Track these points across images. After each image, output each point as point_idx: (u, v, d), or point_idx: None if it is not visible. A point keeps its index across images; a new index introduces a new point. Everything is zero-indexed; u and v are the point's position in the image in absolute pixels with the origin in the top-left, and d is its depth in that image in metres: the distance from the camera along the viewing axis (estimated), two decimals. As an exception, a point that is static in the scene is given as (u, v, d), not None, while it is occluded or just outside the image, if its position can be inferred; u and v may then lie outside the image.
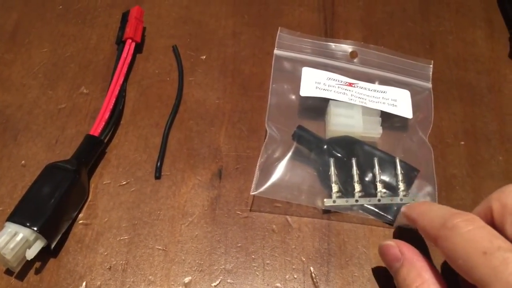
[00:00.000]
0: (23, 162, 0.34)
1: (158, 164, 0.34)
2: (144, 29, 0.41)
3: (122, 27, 0.40)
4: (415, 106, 0.36)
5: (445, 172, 0.35)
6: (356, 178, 0.33)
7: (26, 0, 0.43)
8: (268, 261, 0.31)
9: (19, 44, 0.40)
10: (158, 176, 0.33)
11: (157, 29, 0.41)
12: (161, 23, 0.42)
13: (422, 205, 0.28)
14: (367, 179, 0.33)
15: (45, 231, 0.28)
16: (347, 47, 0.39)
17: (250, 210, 0.33)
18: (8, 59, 0.39)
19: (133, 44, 0.38)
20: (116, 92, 0.36)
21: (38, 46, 0.40)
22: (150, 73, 0.39)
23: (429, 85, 0.38)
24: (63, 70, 0.39)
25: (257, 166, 0.33)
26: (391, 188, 0.33)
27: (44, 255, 0.30)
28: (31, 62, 0.39)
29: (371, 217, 0.32)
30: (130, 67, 0.38)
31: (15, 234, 0.28)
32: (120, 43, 0.39)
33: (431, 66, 0.38)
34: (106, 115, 0.34)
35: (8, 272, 0.29)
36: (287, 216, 0.32)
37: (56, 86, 0.38)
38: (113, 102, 0.35)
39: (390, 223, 0.32)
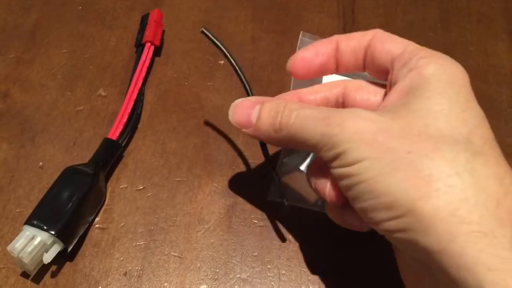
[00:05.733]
0: (40, 164, 0.34)
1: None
2: (163, 32, 0.40)
3: (141, 30, 0.39)
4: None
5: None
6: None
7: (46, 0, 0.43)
8: (283, 272, 0.31)
9: (38, 44, 0.40)
10: None
11: (175, 33, 0.41)
12: (179, 26, 0.42)
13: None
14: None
15: (63, 235, 0.28)
16: None
17: (267, 215, 0.33)
18: (27, 59, 0.39)
19: (152, 48, 0.38)
20: (135, 96, 0.35)
21: (57, 46, 0.40)
22: (168, 77, 0.39)
23: None
24: (82, 72, 0.39)
25: (274, 172, 0.33)
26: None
27: (60, 258, 0.30)
28: (50, 63, 0.39)
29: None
30: (148, 71, 0.38)
31: (33, 237, 0.28)
32: (139, 46, 0.39)
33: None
34: (124, 119, 0.34)
35: (24, 274, 0.29)
36: (303, 225, 0.32)
37: (74, 87, 0.38)
38: (131, 106, 0.35)
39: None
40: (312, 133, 0.24)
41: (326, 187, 0.25)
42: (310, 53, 0.28)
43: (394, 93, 0.24)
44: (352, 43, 0.27)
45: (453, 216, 0.20)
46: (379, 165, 0.22)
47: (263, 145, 0.31)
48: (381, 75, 0.27)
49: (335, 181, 0.24)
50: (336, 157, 0.23)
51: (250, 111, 0.27)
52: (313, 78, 0.29)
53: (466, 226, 0.20)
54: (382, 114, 0.23)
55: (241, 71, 0.31)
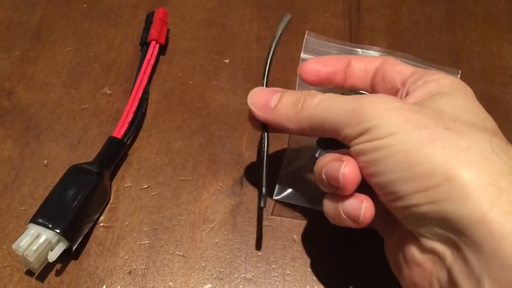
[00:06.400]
0: (45, 162, 0.34)
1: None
2: (168, 31, 0.40)
3: (147, 29, 0.39)
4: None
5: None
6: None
7: (51, -3, 0.43)
8: (288, 272, 0.30)
9: (43, 42, 0.40)
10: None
11: (180, 31, 0.41)
12: (184, 25, 0.42)
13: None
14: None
15: (68, 234, 0.28)
16: (374, 53, 0.38)
17: (272, 215, 0.32)
18: (32, 57, 0.39)
19: (157, 46, 0.38)
20: (140, 94, 0.35)
21: (62, 44, 0.40)
22: (173, 75, 0.39)
23: None
24: (87, 70, 0.38)
25: (280, 171, 0.33)
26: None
27: (65, 257, 0.30)
28: (54, 61, 0.39)
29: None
30: (153, 69, 0.38)
31: (38, 236, 0.28)
32: (144, 44, 0.39)
33: (458, 76, 0.38)
34: (129, 118, 0.34)
35: (29, 273, 0.29)
36: (308, 225, 0.32)
37: (79, 85, 0.38)
38: (136, 104, 0.35)
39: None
40: (338, 110, 0.25)
41: (340, 170, 0.25)
42: (322, 61, 0.29)
43: (412, 98, 0.25)
44: (363, 63, 0.29)
45: (493, 185, 0.20)
46: (416, 136, 0.22)
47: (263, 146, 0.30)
48: (388, 94, 0.28)
49: (351, 162, 0.25)
50: (365, 131, 0.23)
51: (270, 96, 0.28)
52: (320, 85, 0.30)
53: (506, 196, 0.20)
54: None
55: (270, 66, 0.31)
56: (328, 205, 0.27)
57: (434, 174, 0.21)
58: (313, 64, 0.29)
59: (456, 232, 0.21)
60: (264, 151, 0.29)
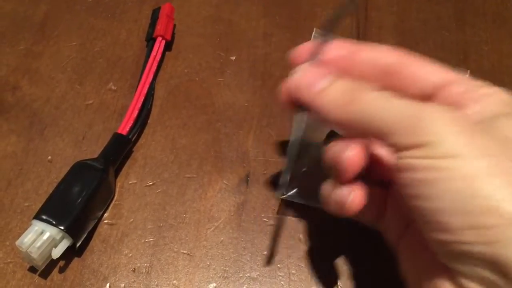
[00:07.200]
0: (49, 157, 0.33)
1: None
2: (174, 27, 0.40)
3: (153, 24, 0.39)
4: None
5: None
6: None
7: (56, -9, 0.42)
8: (293, 271, 0.30)
9: (48, 36, 0.39)
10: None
11: (186, 27, 0.41)
12: (190, 21, 0.41)
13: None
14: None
15: (72, 231, 0.28)
16: None
17: (277, 213, 0.32)
18: (37, 52, 0.39)
19: (163, 42, 0.38)
20: (145, 90, 0.35)
21: (67, 39, 0.39)
22: (178, 72, 0.38)
23: None
24: (92, 65, 0.38)
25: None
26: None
27: (69, 254, 0.29)
28: (59, 55, 0.38)
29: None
30: (158, 65, 0.38)
31: (42, 232, 0.28)
32: (150, 40, 0.38)
33: (467, 76, 0.37)
34: (135, 114, 0.34)
35: (32, 269, 0.29)
36: (314, 225, 0.32)
37: (84, 81, 0.37)
38: (142, 101, 0.35)
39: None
40: (394, 113, 0.21)
41: (344, 152, 0.23)
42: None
43: (469, 114, 0.23)
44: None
45: None
46: (482, 164, 0.19)
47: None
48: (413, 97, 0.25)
49: (358, 146, 0.23)
50: (421, 144, 0.20)
51: (320, 77, 0.24)
52: None
53: None
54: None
55: None
56: (324, 189, 0.25)
57: (497, 212, 0.19)
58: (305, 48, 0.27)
59: (503, 277, 0.19)
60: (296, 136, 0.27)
